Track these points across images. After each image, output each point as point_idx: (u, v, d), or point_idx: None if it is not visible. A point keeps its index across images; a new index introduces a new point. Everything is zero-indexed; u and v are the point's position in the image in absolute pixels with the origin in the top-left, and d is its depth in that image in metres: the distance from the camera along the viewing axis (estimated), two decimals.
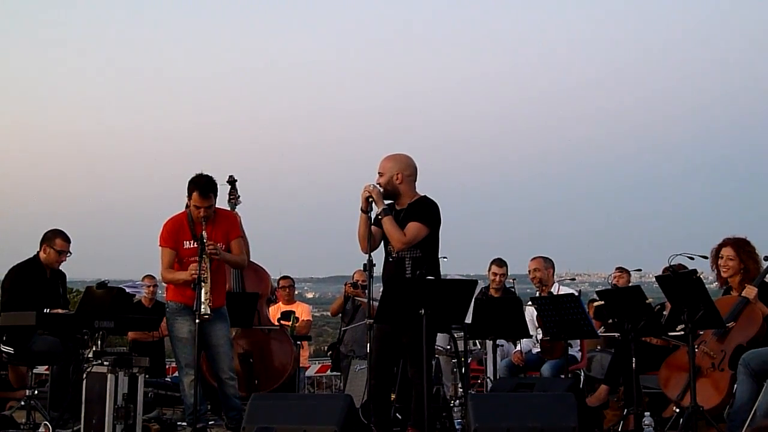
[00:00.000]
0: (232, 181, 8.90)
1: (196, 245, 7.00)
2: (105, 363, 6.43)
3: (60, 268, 7.97)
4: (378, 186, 6.42)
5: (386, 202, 6.43)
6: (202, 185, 7.02)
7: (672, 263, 6.40)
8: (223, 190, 8.01)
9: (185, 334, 7.03)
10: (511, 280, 9.90)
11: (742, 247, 6.84)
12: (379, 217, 6.35)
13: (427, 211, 6.42)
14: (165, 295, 7.41)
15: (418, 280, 5.99)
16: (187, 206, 7.24)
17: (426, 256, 6.36)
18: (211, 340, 7.11)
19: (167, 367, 11.73)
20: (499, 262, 9.47)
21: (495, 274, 9.39)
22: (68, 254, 7.89)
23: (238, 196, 8.84)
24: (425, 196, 6.53)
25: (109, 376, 6.32)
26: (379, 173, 6.50)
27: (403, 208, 6.45)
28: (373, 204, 6.35)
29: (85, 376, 6.63)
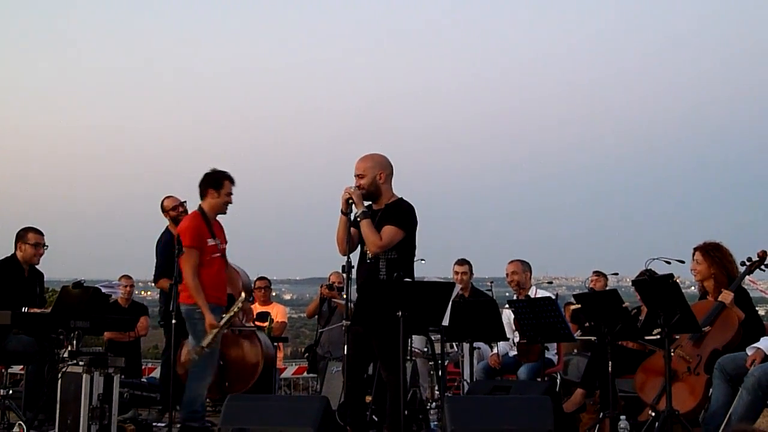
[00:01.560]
0: None
1: (214, 243, 7.32)
2: (80, 363, 6.39)
3: (38, 267, 7.98)
4: (357, 188, 6.41)
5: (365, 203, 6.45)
6: (229, 174, 7.45)
7: (649, 267, 6.42)
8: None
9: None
10: (488, 283, 9.93)
11: (709, 251, 6.87)
12: (358, 219, 6.34)
13: (403, 215, 6.43)
14: (181, 297, 7.23)
15: (396, 282, 5.98)
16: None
17: (402, 258, 6.36)
18: None
19: (143, 367, 11.70)
20: (460, 261, 9.57)
21: (456, 273, 9.48)
22: (44, 247, 7.93)
23: None
24: (401, 198, 6.53)
25: (84, 376, 6.29)
26: (359, 175, 6.46)
27: (380, 208, 6.45)
28: (353, 206, 6.35)
29: (60, 375, 6.59)
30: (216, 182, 7.39)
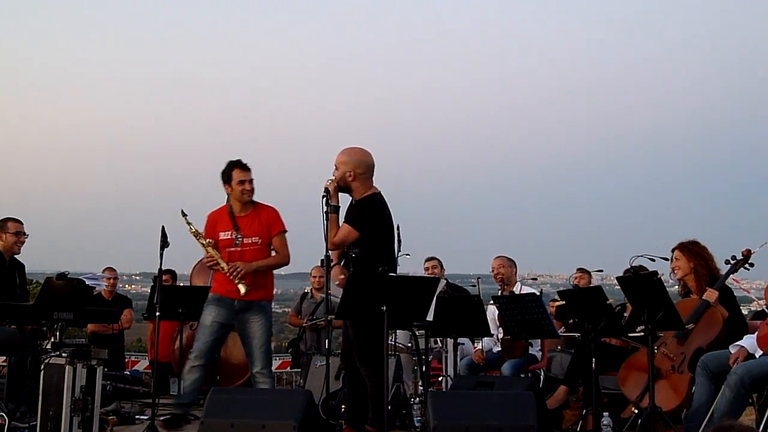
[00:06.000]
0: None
1: (231, 236, 7.43)
2: (63, 355, 6.35)
3: (20, 258, 7.98)
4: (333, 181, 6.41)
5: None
6: (239, 161, 7.42)
7: (633, 264, 6.42)
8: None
9: (207, 322, 7.43)
10: (474, 280, 9.97)
11: (688, 248, 6.90)
12: (329, 213, 6.31)
13: (359, 215, 6.39)
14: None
15: (381, 277, 5.94)
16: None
17: (365, 255, 6.32)
18: (247, 332, 7.46)
19: (126, 360, 11.66)
20: (429, 258, 10.10)
21: (426, 269, 9.90)
22: (25, 235, 7.99)
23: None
24: (372, 195, 6.47)
25: (67, 368, 6.24)
26: (335, 166, 6.49)
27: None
28: (328, 198, 6.32)
29: (42, 367, 6.55)
30: (225, 176, 7.43)
